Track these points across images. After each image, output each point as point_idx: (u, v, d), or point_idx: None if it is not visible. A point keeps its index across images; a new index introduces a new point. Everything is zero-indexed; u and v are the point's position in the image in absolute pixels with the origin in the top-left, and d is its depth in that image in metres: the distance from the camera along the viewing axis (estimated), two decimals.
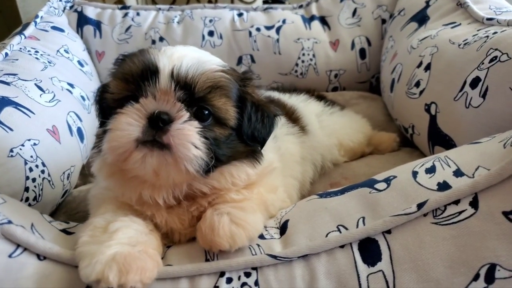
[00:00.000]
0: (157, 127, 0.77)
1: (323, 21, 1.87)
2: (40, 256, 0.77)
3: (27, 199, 1.06)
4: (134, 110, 0.79)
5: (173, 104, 0.80)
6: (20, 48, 1.47)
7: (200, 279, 0.77)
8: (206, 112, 0.83)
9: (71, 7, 1.89)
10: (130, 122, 0.78)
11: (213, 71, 0.83)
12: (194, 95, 0.81)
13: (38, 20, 1.69)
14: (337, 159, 1.37)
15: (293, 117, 1.25)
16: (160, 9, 1.92)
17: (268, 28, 1.81)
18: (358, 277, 0.75)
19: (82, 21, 1.85)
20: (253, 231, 0.81)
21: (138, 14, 1.88)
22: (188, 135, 0.78)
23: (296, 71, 1.80)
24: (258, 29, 1.81)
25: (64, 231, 0.86)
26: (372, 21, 1.83)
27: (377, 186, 0.88)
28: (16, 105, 1.16)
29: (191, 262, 0.79)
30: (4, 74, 1.26)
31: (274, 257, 0.78)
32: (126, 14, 1.88)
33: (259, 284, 0.76)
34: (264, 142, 0.92)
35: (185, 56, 0.83)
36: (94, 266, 0.70)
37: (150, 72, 0.80)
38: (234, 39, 1.80)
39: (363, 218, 0.81)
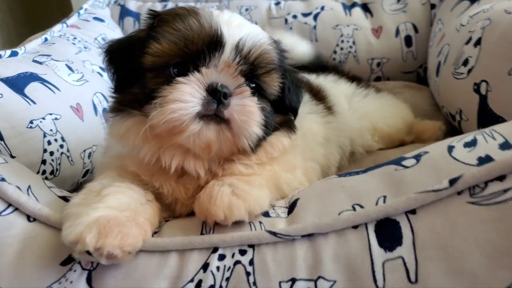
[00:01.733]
0: (219, 101, 0.74)
1: (365, 7, 1.76)
2: (30, 218, 0.74)
3: (43, 172, 1.06)
4: (195, 80, 0.74)
5: (235, 77, 0.77)
6: (60, 35, 1.52)
7: (190, 254, 0.70)
8: (253, 85, 0.81)
9: (115, 1, 1.95)
10: (193, 94, 0.73)
11: (267, 44, 0.82)
12: (253, 70, 0.79)
13: (82, 11, 1.76)
14: (370, 145, 1.25)
15: (318, 96, 1.15)
16: (198, 0, 1.92)
17: (305, 15, 1.74)
18: (372, 263, 0.64)
19: (123, 13, 1.90)
20: (254, 205, 0.73)
21: (176, 5, 1.89)
22: (252, 112, 0.76)
23: (334, 59, 1.70)
24: (294, 16, 1.74)
25: (64, 198, 0.83)
26: (420, 6, 1.69)
27: (404, 162, 0.77)
28: (43, 81, 1.18)
29: (184, 235, 0.73)
30: (39, 55, 1.30)
31: (274, 234, 0.69)
32: (165, 6, 1.90)
33: (254, 263, 0.67)
34: (297, 111, 0.91)
35: (243, 26, 0.81)
36: (76, 227, 0.66)
37: (215, 40, 0.76)
38: (269, 27, 1.75)
39: (384, 197, 0.70)
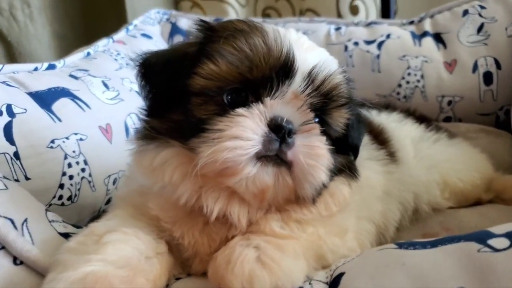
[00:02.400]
0: (282, 139, 0.63)
1: (438, 38, 1.56)
2: (16, 260, 0.62)
3: (60, 197, 0.96)
4: (258, 114, 0.64)
5: (303, 112, 0.66)
6: (104, 50, 1.46)
7: None
8: (317, 120, 0.70)
9: (167, 19, 1.89)
10: (255, 130, 0.63)
11: (340, 73, 0.72)
12: (325, 104, 0.70)
13: (131, 27, 1.70)
14: (437, 203, 1.04)
15: (379, 139, 0.97)
16: None
17: (368, 42, 1.57)
18: None
19: (173, 31, 1.83)
20: (283, 280, 0.58)
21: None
22: (321, 155, 0.66)
23: (398, 93, 1.51)
24: (355, 43, 1.57)
25: (66, 235, 0.71)
26: (505, 39, 1.46)
27: (492, 242, 0.59)
28: (74, 97, 1.09)
29: None
30: (77, 70, 1.23)
31: None
32: None
33: None
34: (358, 150, 0.80)
35: (314, 49, 0.72)
36: (57, 283, 0.53)
37: (286, 66, 0.66)
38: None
39: None
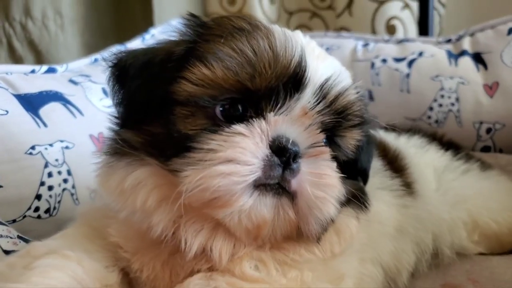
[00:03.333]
0: (285, 165, 0.53)
1: (478, 58, 1.40)
2: None
3: (37, 209, 0.88)
4: (259, 133, 0.53)
5: (312, 132, 0.56)
6: None
7: None
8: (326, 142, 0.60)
9: None
10: (255, 152, 0.52)
11: (353, 88, 0.62)
12: (338, 123, 0.60)
13: (147, 36, 1.65)
14: (463, 246, 0.87)
15: (394, 165, 0.83)
16: None
17: (398, 60, 1.43)
18: None
19: None
20: None
21: None
22: (331, 186, 0.55)
23: (429, 117, 1.35)
24: (384, 61, 1.44)
25: (7, 252, 0.62)
26: None
27: None
28: (66, 102, 1.03)
29: None
30: (79, 75, 1.18)
31: None
32: None
33: None
34: (368, 174, 0.69)
35: (326, 59, 0.62)
36: None
37: (296, 76, 0.56)
38: (351, 70, 1.45)
39: None
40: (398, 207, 0.78)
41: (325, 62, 0.60)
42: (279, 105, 0.55)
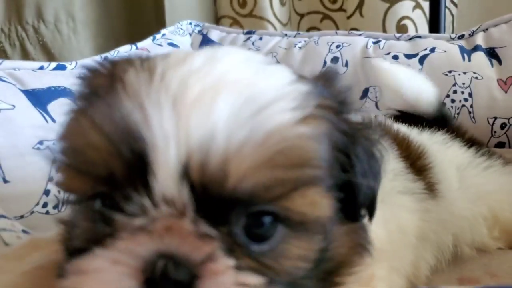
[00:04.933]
0: None
1: (492, 53, 1.37)
2: None
3: (45, 204, 0.88)
4: (110, 263, 0.36)
5: (194, 243, 0.36)
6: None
7: None
8: (269, 218, 0.38)
9: (199, 31, 1.84)
10: None
11: (286, 128, 0.37)
12: (243, 200, 0.37)
13: (158, 36, 1.65)
14: (484, 243, 0.82)
15: (417, 165, 0.77)
16: (286, 35, 1.71)
17: (409, 56, 1.40)
18: None
19: (204, 42, 1.77)
20: None
21: (260, 38, 1.71)
22: None
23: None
24: (395, 57, 1.41)
25: None
26: None
27: None
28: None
29: None
30: None
31: None
32: (248, 38, 1.73)
33: None
34: (374, 204, 0.48)
35: (219, 95, 0.37)
36: None
37: (137, 164, 0.36)
38: (362, 67, 1.44)
39: None
40: (420, 213, 0.71)
41: (211, 111, 0.36)
42: (133, 214, 0.37)
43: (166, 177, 0.35)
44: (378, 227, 0.55)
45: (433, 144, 0.88)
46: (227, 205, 0.36)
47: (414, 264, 0.70)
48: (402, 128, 0.86)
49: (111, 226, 0.38)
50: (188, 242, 0.36)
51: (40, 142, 0.89)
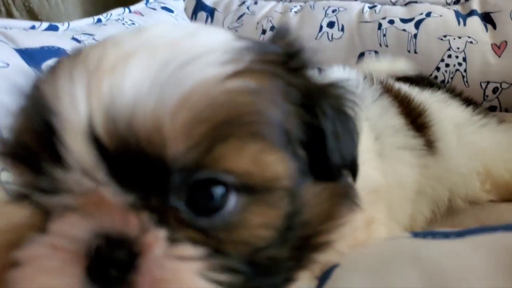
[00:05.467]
0: (110, 281, 0.34)
1: (487, 18, 1.37)
2: None
3: None
4: (46, 251, 0.35)
5: (125, 220, 0.34)
6: (118, 19, 1.39)
7: None
8: (220, 187, 0.35)
9: None
10: (46, 285, 0.34)
11: (212, 82, 0.35)
12: (168, 168, 0.33)
13: (151, 0, 1.62)
14: (476, 196, 0.86)
15: (418, 122, 0.79)
16: (281, 0, 1.69)
17: (405, 21, 1.40)
18: None
19: (198, 7, 1.74)
20: None
21: (255, 3, 1.69)
22: (188, 282, 0.33)
23: (436, 77, 1.33)
24: (391, 21, 1.41)
25: None
26: None
27: None
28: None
29: None
30: (82, 33, 1.16)
31: None
32: (243, 3, 1.71)
33: None
34: (356, 164, 0.46)
35: (135, 58, 0.35)
36: None
37: (48, 135, 0.34)
38: (358, 32, 1.44)
39: None
40: (419, 168, 0.74)
41: (120, 79, 0.34)
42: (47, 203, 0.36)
43: (75, 145, 0.33)
44: (376, 174, 0.57)
45: (434, 102, 0.90)
46: (150, 171, 0.33)
47: (412, 217, 0.73)
48: (404, 87, 0.88)
49: (46, 213, 0.36)
50: (118, 216, 0.34)
51: None
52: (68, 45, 1.04)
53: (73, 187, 0.34)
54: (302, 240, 0.40)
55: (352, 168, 0.45)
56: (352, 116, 0.45)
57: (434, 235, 0.50)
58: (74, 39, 1.10)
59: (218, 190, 0.35)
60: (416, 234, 0.52)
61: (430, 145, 0.79)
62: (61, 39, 1.05)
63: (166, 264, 0.33)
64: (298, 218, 0.39)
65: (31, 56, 0.93)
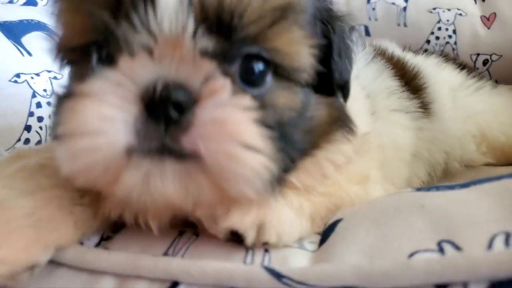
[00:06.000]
0: (167, 119, 0.38)
1: None
2: None
3: (27, 140, 0.84)
4: (110, 86, 0.39)
5: (195, 64, 0.39)
6: None
7: (134, 283, 0.40)
8: (261, 64, 0.42)
9: None
10: (106, 116, 0.38)
11: None
12: (236, 35, 0.41)
13: None
14: (472, 159, 0.86)
15: (412, 85, 0.79)
16: None
17: None
18: None
19: None
20: (272, 221, 0.42)
21: None
22: (237, 132, 0.38)
23: (426, 50, 1.31)
24: None
25: None
26: None
27: None
28: (51, 32, 0.97)
29: (139, 251, 0.44)
30: None
31: (278, 275, 0.38)
32: None
33: None
34: (348, 88, 0.54)
35: None
36: None
37: None
38: (347, 6, 1.42)
39: (507, 234, 0.37)
40: (415, 131, 0.74)
41: None
42: (131, 43, 0.40)
43: (170, 8, 0.38)
44: (364, 123, 0.58)
45: (428, 65, 0.91)
46: (223, 31, 0.40)
47: (408, 180, 0.72)
48: (397, 51, 0.87)
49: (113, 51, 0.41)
50: (188, 62, 0.39)
51: (17, 75, 0.84)
52: (48, 19, 0.99)
53: (155, 28, 0.39)
54: (310, 132, 0.48)
55: (345, 89, 0.54)
56: (351, 45, 0.55)
57: (438, 188, 0.49)
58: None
59: (259, 67, 0.43)
60: (419, 189, 0.51)
61: (425, 107, 0.79)
62: (41, 14, 1.01)
63: (226, 108, 0.38)
64: (308, 113, 0.47)
65: (10, 29, 0.89)
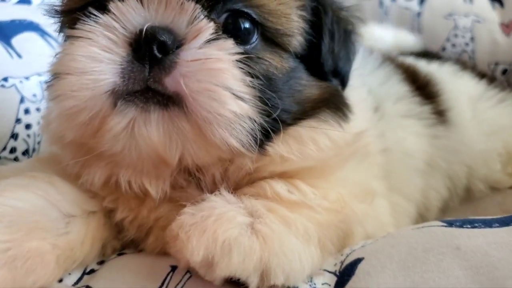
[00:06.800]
0: (151, 60, 0.40)
1: None
2: None
3: (13, 149, 0.78)
4: (100, 29, 0.41)
5: (181, 8, 0.41)
6: None
7: None
8: (248, 22, 0.44)
9: None
10: (94, 56, 0.40)
11: None
12: None
13: None
14: (497, 180, 0.80)
15: (425, 91, 0.74)
16: None
17: None
18: None
19: None
20: (280, 260, 0.37)
21: None
22: (218, 71, 0.40)
23: (442, 57, 1.26)
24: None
25: None
26: None
27: None
28: (43, 33, 0.91)
29: (131, 284, 0.38)
30: None
31: None
32: None
33: None
34: (347, 77, 0.55)
35: None
36: None
37: None
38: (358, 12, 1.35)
39: None
40: (429, 138, 0.70)
41: None
42: None
43: None
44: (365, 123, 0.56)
45: (442, 73, 0.85)
46: None
47: (424, 192, 0.67)
48: (408, 59, 0.82)
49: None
50: (175, 7, 0.40)
51: (5, 79, 0.78)
52: (41, 19, 0.93)
53: None
54: (299, 104, 0.48)
55: (343, 80, 0.54)
56: (353, 37, 0.55)
57: (472, 223, 0.43)
58: None
59: (247, 25, 0.44)
60: (450, 223, 0.44)
61: (440, 115, 0.74)
62: (34, 13, 0.95)
63: (209, 49, 0.40)
64: (296, 87, 0.48)
65: (0, 29, 0.83)
